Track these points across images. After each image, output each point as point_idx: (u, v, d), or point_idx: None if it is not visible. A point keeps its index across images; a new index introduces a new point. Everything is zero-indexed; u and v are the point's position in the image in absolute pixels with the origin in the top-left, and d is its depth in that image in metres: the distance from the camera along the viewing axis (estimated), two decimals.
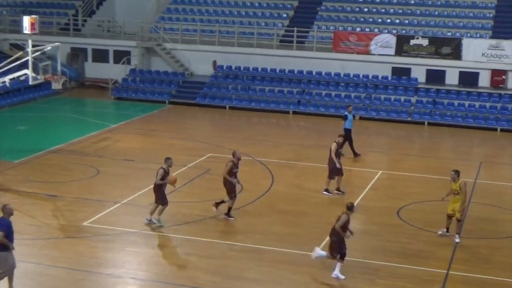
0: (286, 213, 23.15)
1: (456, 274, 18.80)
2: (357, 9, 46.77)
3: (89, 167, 27.64)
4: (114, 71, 44.94)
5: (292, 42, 43.81)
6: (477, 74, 40.60)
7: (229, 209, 22.36)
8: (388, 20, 45.52)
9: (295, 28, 43.91)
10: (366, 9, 46.59)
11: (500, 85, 40.17)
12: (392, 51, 41.66)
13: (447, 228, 21.39)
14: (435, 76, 41.23)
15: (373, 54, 41.97)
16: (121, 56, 45.34)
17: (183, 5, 49.30)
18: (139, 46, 45.05)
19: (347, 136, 30.01)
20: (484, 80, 40.55)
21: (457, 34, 43.02)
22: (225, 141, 32.79)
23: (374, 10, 46.42)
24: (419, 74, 41.42)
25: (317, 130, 36.78)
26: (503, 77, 40.14)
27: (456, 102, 39.62)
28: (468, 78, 40.66)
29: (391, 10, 46.15)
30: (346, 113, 30.85)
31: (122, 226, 21.50)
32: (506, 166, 30.17)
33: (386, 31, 43.73)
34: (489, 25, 44.05)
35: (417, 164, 30.26)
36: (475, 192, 25.64)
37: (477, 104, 39.39)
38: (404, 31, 43.86)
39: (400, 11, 46.00)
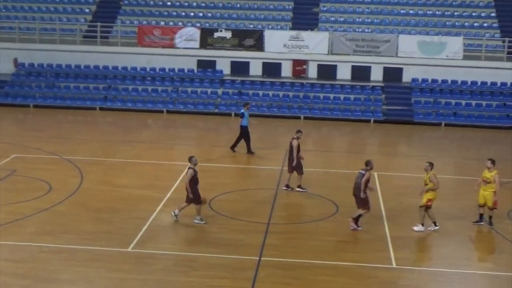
0: (97, 210, 22.79)
1: (268, 259, 19.25)
2: (161, 3, 46.80)
3: None
4: None
5: (96, 37, 43.16)
6: (279, 64, 41.87)
7: (359, 216, 21.72)
8: (192, 14, 45.94)
9: (99, 23, 43.28)
10: (169, 3, 46.74)
11: (302, 75, 41.66)
12: (196, 44, 42.07)
13: (422, 224, 21.47)
14: (240, 67, 42.10)
15: (178, 48, 42.18)
16: None
17: None
18: None
19: (244, 133, 30.53)
20: (286, 70, 41.90)
21: (259, 26, 44.16)
22: (31, 140, 31.80)
23: (178, 3, 46.66)
24: (224, 66, 42.11)
25: (124, 126, 36.47)
26: (304, 66, 41.66)
27: (260, 93, 40.66)
28: (271, 68, 41.85)
29: (194, 4, 46.58)
30: (242, 110, 30.74)
31: None
32: (309, 152, 31.25)
33: (190, 24, 44.10)
34: (289, 17, 45.53)
35: (225, 155, 30.71)
36: (282, 180, 26.43)
37: (280, 93, 40.62)
38: (207, 24, 44.46)
39: (203, 4, 46.55)
